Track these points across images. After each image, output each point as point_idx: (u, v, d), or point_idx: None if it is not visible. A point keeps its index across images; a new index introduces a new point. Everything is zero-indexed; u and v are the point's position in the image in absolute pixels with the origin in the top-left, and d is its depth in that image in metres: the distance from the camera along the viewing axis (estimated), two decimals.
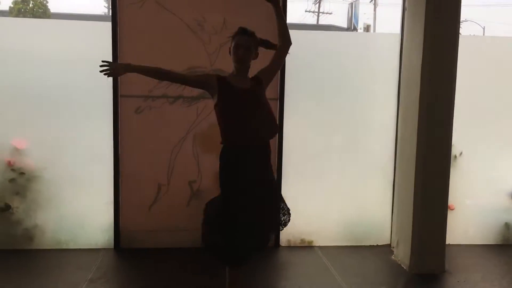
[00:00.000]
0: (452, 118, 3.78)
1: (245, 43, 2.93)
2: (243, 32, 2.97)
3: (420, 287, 3.73)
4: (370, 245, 4.64)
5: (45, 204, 4.28)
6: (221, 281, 3.21)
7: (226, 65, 4.17)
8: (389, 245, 4.60)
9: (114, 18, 4.17)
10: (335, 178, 4.62)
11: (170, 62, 4.20)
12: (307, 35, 4.66)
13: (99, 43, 4.24)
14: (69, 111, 4.29)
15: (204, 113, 4.36)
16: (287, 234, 4.53)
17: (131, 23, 4.20)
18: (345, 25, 26.41)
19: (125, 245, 4.37)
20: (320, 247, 4.56)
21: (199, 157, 4.40)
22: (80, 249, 4.33)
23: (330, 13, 32.79)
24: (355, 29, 24.86)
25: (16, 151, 4.22)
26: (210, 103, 4.20)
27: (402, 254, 4.06)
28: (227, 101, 2.89)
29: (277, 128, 3.13)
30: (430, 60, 3.67)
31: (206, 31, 4.29)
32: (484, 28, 28.52)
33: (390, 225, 4.64)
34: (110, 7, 4.23)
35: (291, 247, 4.56)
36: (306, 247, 4.58)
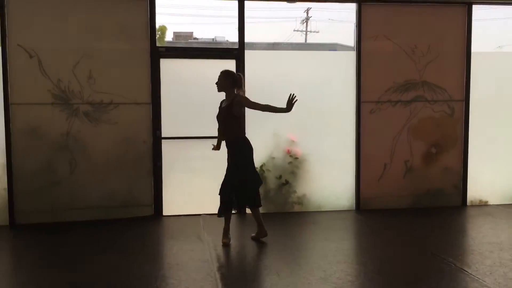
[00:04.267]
0: None
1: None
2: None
3: None
4: None
5: (311, 179, 6.06)
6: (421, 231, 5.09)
7: (432, 77, 6.06)
8: None
9: (358, 49, 6.00)
10: (502, 153, 6.42)
11: (392, 77, 6.08)
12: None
13: (344, 67, 6.08)
14: (325, 115, 6.09)
15: (415, 112, 6.18)
16: (470, 196, 6.33)
17: (367, 52, 6.04)
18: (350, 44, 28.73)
19: (363, 208, 6.15)
20: (494, 205, 6.35)
21: (411, 143, 6.19)
22: (332, 211, 6.09)
23: (317, 32, 35.02)
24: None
25: (292, 142, 6.02)
26: (421, 106, 6.07)
27: None
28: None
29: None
30: None
31: (417, 54, 6.12)
32: None
33: None
34: (356, 40, 6.03)
35: (474, 206, 6.34)
36: (483, 205, 6.37)
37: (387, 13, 6.11)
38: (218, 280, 3.75)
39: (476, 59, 6.28)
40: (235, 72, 4.97)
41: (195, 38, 27.86)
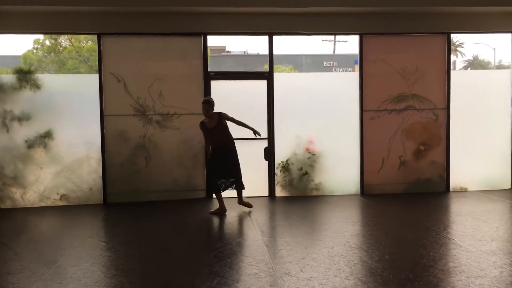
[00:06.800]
0: None
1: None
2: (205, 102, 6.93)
3: None
4: (499, 189, 8.21)
5: (325, 171, 8.04)
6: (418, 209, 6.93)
7: (419, 91, 7.93)
8: (510, 189, 8.17)
9: (361, 70, 7.97)
10: (478, 150, 8.22)
11: (386, 91, 8.00)
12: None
13: (350, 84, 8.06)
14: (335, 121, 8.06)
15: (406, 118, 8.08)
16: (452, 184, 8.16)
17: (368, 72, 8.00)
18: None
19: (366, 193, 8.08)
20: (473, 191, 8.16)
21: (404, 142, 8.09)
22: (342, 195, 8.04)
23: (346, 41, 36.90)
24: None
25: (310, 142, 8.02)
26: (411, 113, 7.94)
27: None
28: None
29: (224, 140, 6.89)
30: None
31: (407, 73, 8.05)
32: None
33: (510, 176, 8.23)
34: (359, 63, 8.01)
35: (456, 192, 8.16)
36: (463, 191, 8.18)
37: (383, 42, 8.07)
38: (258, 230, 5.78)
39: (454, 76, 8.16)
40: (210, 98, 7.10)
41: (228, 51, 30.27)
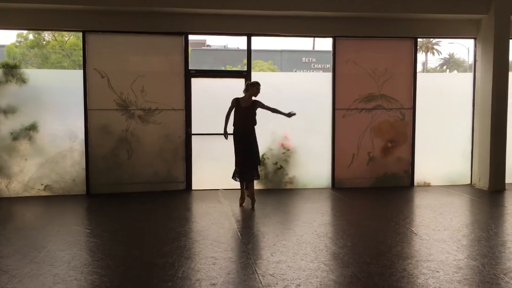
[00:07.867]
0: (507, 110, 8.09)
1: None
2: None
3: (497, 195, 7.90)
4: (460, 185, 8.85)
5: (299, 165, 8.56)
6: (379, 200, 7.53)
7: (388, 91, 8.49)
8: (469, 184, 8.82)
9: (334, 71, 8.49)
10: (441, 147, 8.85)
11: (357, 91, 8.54)
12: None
13: (323, 84, 8.57)
14: (309, 118, 8.57)
15: (375, 117, 8.63)
16: (416, 179, 8.77)
17: (340, 73, 8.52)
18: None
19: (337, 186, 8.62)
20: (435, 186, 8.78)
21: (373, 139, 8.65)
22: (314, 188, 8.57)
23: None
24: None
25: (285, 138, 8.52)
26: (380, 112, 8.50)
27: (483, 183, 8.35)
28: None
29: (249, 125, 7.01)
30: (496, 87, 7.98)
31: (376, 74, 8.60)
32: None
33: (469, 172, 8.87)
34: (332, 64, 8.52)
35: (419, 186, 8.77)
36: (426, 186, 8.80)
37: (354, 45, 8.60)
38: (233, 220, 6.26)
39: (420, 78, 8.75)
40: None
41: (208, 45, 30.55)
